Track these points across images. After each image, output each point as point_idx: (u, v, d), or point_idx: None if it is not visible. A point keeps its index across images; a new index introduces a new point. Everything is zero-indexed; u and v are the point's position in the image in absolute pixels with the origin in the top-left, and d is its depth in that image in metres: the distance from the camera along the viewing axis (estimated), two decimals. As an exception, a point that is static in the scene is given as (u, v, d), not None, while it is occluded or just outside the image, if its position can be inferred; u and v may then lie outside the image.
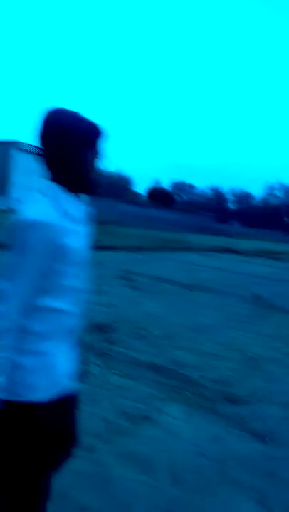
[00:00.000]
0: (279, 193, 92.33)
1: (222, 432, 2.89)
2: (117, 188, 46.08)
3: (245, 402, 3.41)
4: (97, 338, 4.50)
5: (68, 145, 1.23)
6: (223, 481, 2.34)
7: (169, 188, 70.78)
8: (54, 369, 1.26)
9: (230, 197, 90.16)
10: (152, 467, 2.37)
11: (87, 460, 2.31)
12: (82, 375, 1.47)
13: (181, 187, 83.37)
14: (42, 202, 1.21)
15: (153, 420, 2.92)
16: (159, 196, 47.43)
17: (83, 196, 1.32)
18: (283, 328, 6.23)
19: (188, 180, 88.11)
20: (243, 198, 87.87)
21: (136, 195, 51.98)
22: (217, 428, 2.94)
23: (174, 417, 3.02)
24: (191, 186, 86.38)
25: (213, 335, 5.30)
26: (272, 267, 15.92)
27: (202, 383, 3.68)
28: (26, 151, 24.46)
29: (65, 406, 1.31)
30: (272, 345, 5.16)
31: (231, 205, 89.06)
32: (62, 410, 1.30)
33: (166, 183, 75.08)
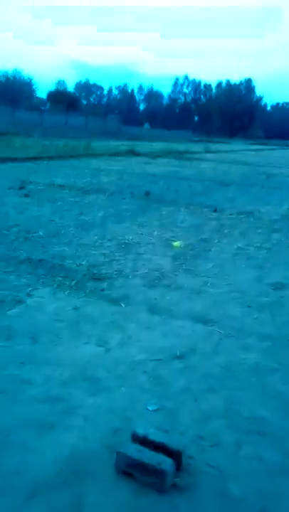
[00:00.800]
0: (187, 89, 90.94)
1: (82, 302, 3.42)
2: (14, 92, 42.08)
3: (109, 278, 3.96)
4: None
5: None
6: (73, 336, 2.88)
7: (73, 91, 66.10)
8: None
9: (138, 97, 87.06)
10: (14, 335, 2.83)
11: None
12: None
13: (86, 88, 78.24)
14: None
15: (22, 302, 3.35)
16: (62, 100, 44.39)
17: None
18: (163, 218, 6.87)
19: (93, 81, 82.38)
20: (152, 96, 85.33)
21: (36, 99, 48.07)
22: (79, 301, 3.45)
23: (42, 297, 3.48)
24: (97, 87, 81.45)
25: (95, 230, 5.73)
26: (170, 166, 16.49)
27: (74, 269, 4.15)
28: None
29: None
30: (148, 233, 5.76)
31: (140, 106, 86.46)
32: None
33: (70, 85, 69.82)
